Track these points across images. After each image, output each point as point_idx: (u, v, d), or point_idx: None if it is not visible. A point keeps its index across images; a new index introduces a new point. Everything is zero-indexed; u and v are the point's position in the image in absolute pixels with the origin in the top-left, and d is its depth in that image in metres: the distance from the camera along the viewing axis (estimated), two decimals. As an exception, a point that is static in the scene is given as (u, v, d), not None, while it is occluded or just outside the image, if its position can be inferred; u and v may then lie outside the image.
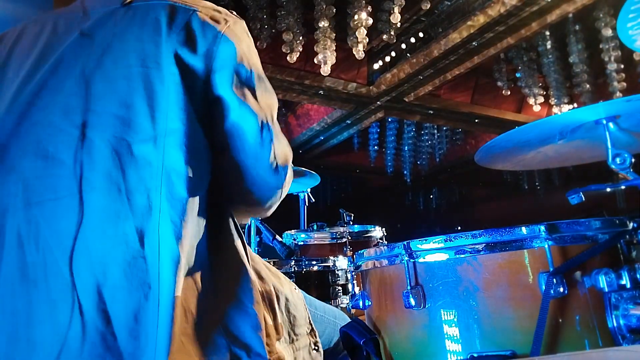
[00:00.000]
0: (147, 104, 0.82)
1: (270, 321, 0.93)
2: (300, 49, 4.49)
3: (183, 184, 0.81)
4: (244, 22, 0.97)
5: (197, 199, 0.83)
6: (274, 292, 1.00)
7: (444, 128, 8.13)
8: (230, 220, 0.95)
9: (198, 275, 0.82)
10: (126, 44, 0.85)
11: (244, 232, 2.20)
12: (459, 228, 9.32)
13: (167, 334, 0.73)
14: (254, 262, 1.00)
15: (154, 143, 0.80)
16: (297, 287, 1.14)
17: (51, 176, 0.79)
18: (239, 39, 0.91)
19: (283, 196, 1.02)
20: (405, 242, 0.98)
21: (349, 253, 2.26)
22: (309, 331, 1.08)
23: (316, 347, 1.08)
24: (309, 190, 2.56)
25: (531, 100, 6.26)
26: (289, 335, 1.01)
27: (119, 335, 0.73)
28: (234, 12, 0.97)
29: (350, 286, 2.02)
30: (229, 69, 0.89)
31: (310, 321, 1.11)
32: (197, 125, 0.85)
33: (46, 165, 0.80)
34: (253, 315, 0.85)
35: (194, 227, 0.83)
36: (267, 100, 0.94)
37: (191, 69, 0.86)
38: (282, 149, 0.96)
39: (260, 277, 0.99)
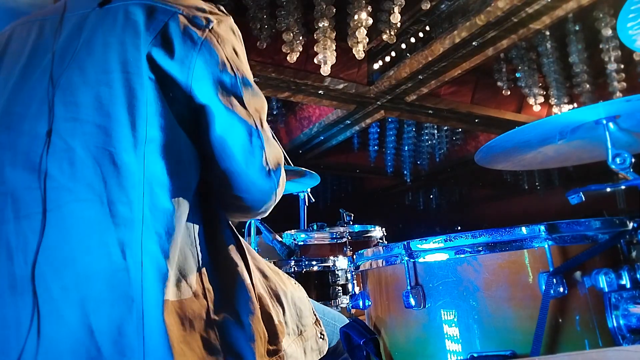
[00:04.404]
0: (127, 112, 0.79)
1: (278, 318, 0.94)
2: (300, 49, 4.48)
3: (167, 195, 0.78)
4: (230, 19, 0.93)
5: (184, 207, 0.81)
6: (280, 288, 1.01)
7: (444, 128, 8.12)
8: (227, 225, 0.94)
9: (195, 283, 0.81)
10: (108, 47, 0.83)
11: (244, 232, 2.21)
12: (459, 228, 9.32)
13: (163, 343, 0.72)
14: (256, 261, 1.00)
15: (135, 151, 0.78)
16: (296, 282, 1.15)
17: (37, 189, 0.78)
18: (223, 42, 0.88)
19: (277, 199, 1.01)
20: (405, 242, 0.98)
21: (349, 253, 2.26)
22: (314, 321, 1.10)
23: (322, 336, 1.09)
24: (309, 190, 2.55)
25: (531, 100, 6.25)
26: (297, 327, 1.01)
27: (103, 348, 0.72)
28: (221, 8, 0.93)
29: (350, 286, 2.02)
30: (211, 76, 0.85)
31: (314, 312, 1.12)
32: (180, 132, 0.83)
33: (33, 178, 0.78)
34: (248, 325, 0.84)
35: (184, 236, 0.81)
36: (256, 105, 0.92)
37: (168, 75, 0.83)
38: (273, 153, 0.94)
39: (265, 276, 1.00)
